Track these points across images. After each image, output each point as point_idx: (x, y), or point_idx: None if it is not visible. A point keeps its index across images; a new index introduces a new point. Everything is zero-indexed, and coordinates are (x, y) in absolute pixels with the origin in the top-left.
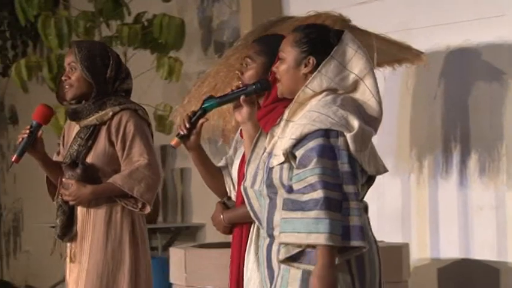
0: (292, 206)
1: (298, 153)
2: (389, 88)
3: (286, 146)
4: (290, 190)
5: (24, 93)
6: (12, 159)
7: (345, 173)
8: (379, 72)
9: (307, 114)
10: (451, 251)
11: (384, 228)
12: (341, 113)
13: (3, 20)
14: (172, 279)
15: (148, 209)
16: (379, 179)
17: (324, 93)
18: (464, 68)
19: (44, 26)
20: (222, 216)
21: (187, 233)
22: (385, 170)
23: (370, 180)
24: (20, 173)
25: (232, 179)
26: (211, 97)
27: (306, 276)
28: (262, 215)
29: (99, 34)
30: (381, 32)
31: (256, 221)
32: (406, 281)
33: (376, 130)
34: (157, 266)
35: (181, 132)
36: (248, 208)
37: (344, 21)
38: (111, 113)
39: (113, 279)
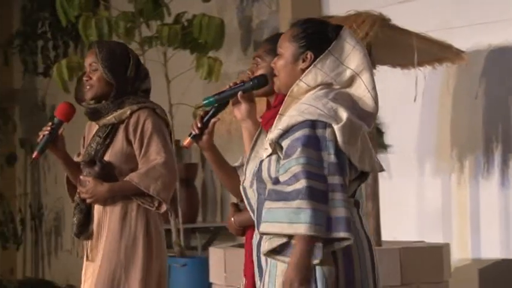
0: (276, 196)
1: (285, 143)
2: (429, 87)
3: (273, 136)
4: (276, 181)
5: (66, 93)
6: (33, 156)
7: (331, 164)
8: (420, 72)
9: (297, 107)
10: (492, 252)
11: (425, 228)
12: (331, 105)
13: (44, 21)
14: (212, 279)
15: (164, 208)
16: (419, 179)
17: (318, 88)
18: (505, 67)
19: (85, 27)
20: (233, 219)
21: (227, 233)
22: (381, 169)
23: (362, 177)
24: (61, 173)
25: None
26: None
27: None
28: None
29: (139, 34)
30: (421, 31)
31: (256, 221)
32: (446, 281)
33: (370, 126)
34: (197, 266)
35: (194, 132)
36: (248, 208)
37: (384, 21)
38: (129, 112)
39: (125, 277)
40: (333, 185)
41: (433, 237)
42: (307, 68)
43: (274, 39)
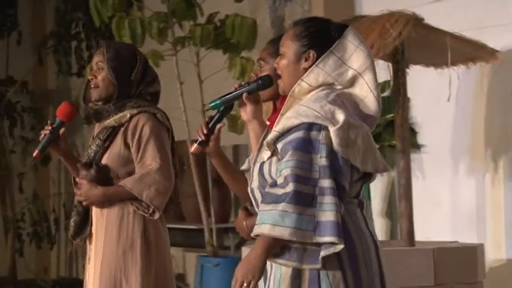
0: (269, 199)
1: (279, 146)
2: (463, 87)
3: (269, 138)
4: (274, 184)
5: None
6: (34, 155)
7: (322, 167)
8: (453, 71)
9: (296, 108)
10: None
11: (459, 229)
12: (329, 107)
13: (78, 21)
14: None
15: (157, 215)
16: (453, 179)
17: (320, 88)
18: None
19: (118, 27)
20: (244, 223)
21: None
22: (385, 169)
23: (365, 177)
24: None
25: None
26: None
27: (296, 273)
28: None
29: (172, 34)
30: (454, 31)
31: None
32: (481, 281)
33: (371, 126)
34: (229, 265)
35: (200, 139)
36: (256, 210)
37: (417, 20)
38: (128, 115)
39: (125, 280)
40: (323, 188)
41: (467, 238)
42: (310, 67)
43: (277, 41)
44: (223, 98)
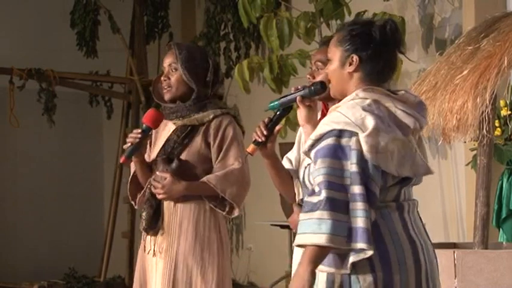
0: (306, 208)
1: (312, 153)
2: None
3: (305, 146)
4: (312, 192)
5: (246, 93)
6: (121, 160)
7: (352, 173)
8: None
9: (331, 115)
10: None
11: None
12: (360, 113)
13: (227, 23)
14: None
15: (236, 213)
16: None
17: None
18: None
19: (266, 28)
20: (298, 217)
21: None
22: (427, 172)
23: (406, 180)
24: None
25: (299, 181)
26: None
27: (330, 278)
28: None
29: (319, 34)
30: None
31: None
32: None
33: (407, 135)
34: None
35: (259, 139)
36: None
37: None
38: (212, 115)
39: (202, 276)
40: (353, 195)
41: None
42: (354, 71)
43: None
44: (280, 100)
